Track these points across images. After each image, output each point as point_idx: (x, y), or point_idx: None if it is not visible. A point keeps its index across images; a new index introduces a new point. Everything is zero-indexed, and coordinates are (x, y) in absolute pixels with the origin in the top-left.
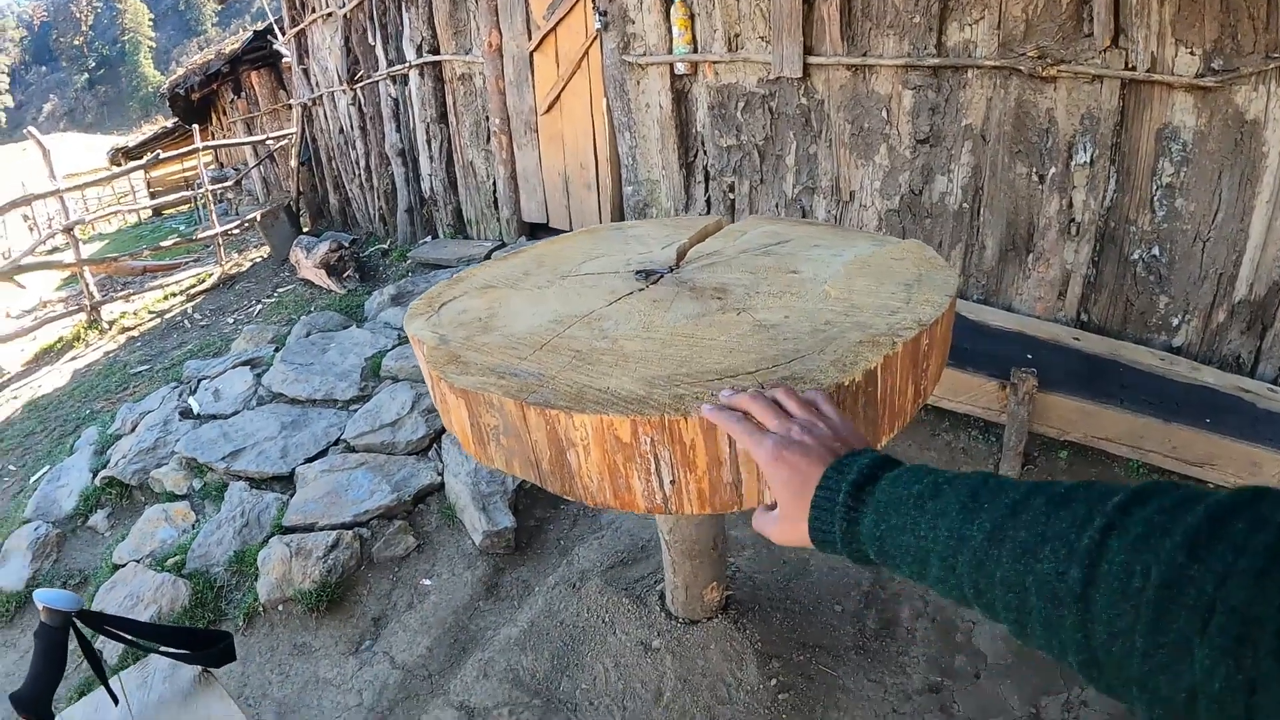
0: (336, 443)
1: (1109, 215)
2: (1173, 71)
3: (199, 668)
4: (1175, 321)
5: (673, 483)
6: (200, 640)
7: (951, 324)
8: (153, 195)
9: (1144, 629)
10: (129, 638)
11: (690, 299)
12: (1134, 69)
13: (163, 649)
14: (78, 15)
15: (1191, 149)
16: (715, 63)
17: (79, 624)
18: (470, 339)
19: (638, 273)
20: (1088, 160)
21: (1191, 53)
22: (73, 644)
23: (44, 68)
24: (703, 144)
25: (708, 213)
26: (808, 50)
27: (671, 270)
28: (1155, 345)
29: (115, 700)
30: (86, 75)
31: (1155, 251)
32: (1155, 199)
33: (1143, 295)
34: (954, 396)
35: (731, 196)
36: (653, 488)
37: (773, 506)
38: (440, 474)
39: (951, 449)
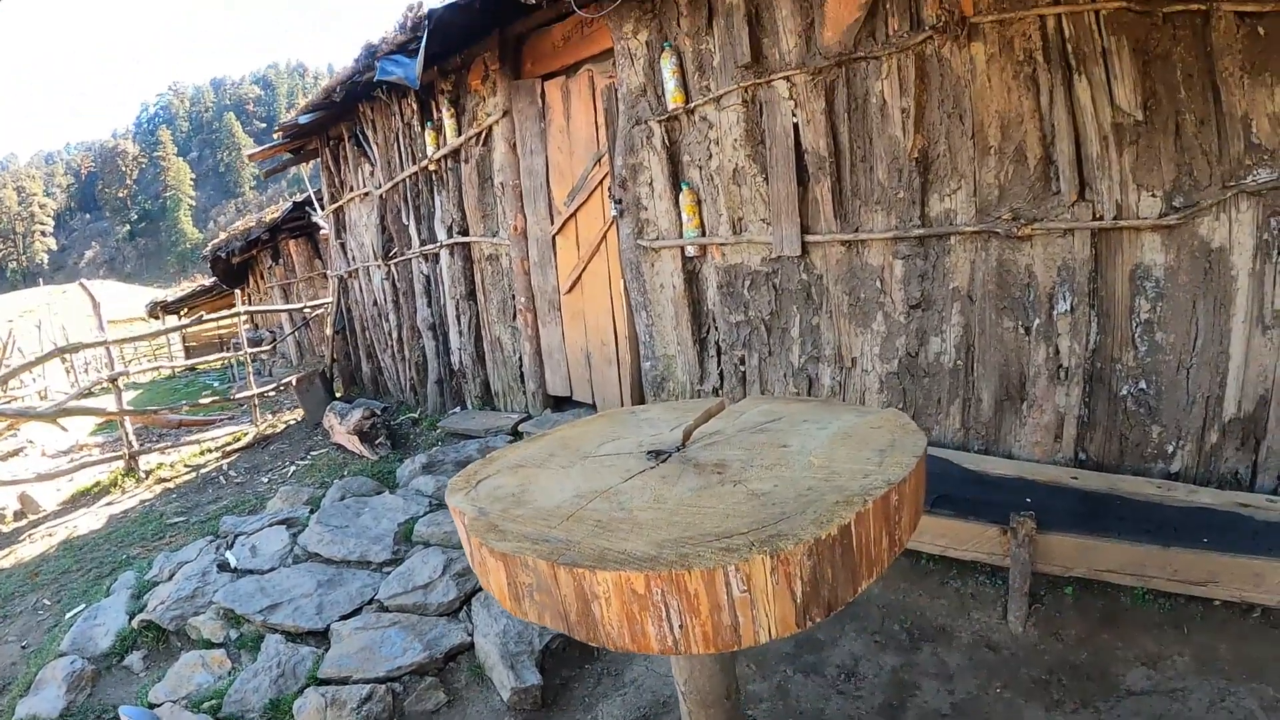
0: (370, 602)
1: (1094, 356)
2: (1138, 215)
3: None
4: (1170, 448)
5: (681, 627)
6: None
7: (923, 480)
8: (187, 350)
9: None
10: None
11: (694, 474)
12: (1101, 218)
13: None
14: (123, 169)
15: (1164, 284)
16: (721, 245)
17: None
18: (506, 511)
19: (649, 453)
20: (1068, 308)
21: (1153, 195)
22: None
23: (88, 215)
24: (714, 320)
25: (720, 384)
26: (805, 229)
27: (678, 449)
28: (1154, 474)
29: None
30: (128, 227)
31: (1142, 385)
32: (1136, 336)
33: (1136, 428)
34: (960, 545)
35: (743, 369)
36: (664, 631)
37: None
38: (470, 634)
39: (961, 595)
